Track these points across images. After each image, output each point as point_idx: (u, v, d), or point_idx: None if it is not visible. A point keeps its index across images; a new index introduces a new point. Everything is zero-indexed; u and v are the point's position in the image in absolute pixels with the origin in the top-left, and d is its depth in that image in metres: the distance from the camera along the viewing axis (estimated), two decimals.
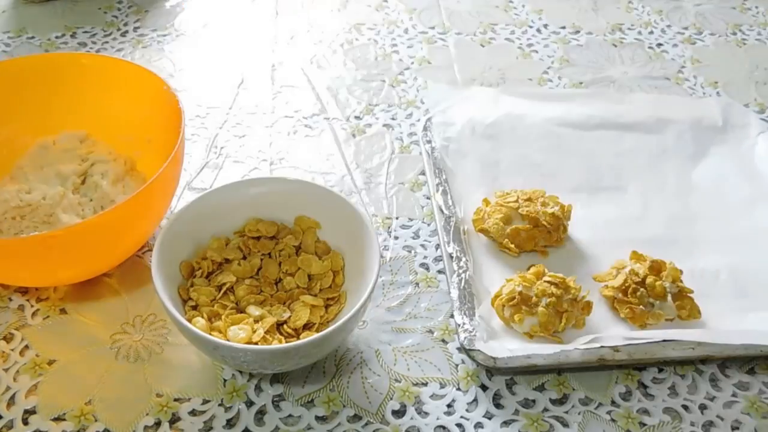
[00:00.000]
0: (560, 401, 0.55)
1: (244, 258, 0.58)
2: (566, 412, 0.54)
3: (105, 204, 0.63)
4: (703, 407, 0.55)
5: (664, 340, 0.56)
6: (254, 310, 0.53)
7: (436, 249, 0.66)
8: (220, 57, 0.88)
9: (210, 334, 0.50)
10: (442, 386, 0.55)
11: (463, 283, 0.60)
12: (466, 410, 0.54)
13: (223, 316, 0.53)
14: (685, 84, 0.88)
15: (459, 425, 0.53)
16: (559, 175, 0.72)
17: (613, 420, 0.54)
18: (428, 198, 0.70)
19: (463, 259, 0.62)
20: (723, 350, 0.56)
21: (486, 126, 0.76)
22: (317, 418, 0.53)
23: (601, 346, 0.55)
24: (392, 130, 0.78)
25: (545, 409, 0.54)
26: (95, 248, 0.56)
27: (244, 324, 0.52)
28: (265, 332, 0.51)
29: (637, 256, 0.62)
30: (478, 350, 0.55)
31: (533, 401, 0.55)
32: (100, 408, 0.52)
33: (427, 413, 0.53)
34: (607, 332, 0.58)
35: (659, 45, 0.95)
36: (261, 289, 0.56)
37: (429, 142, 0.74)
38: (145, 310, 0.59)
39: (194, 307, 0.54)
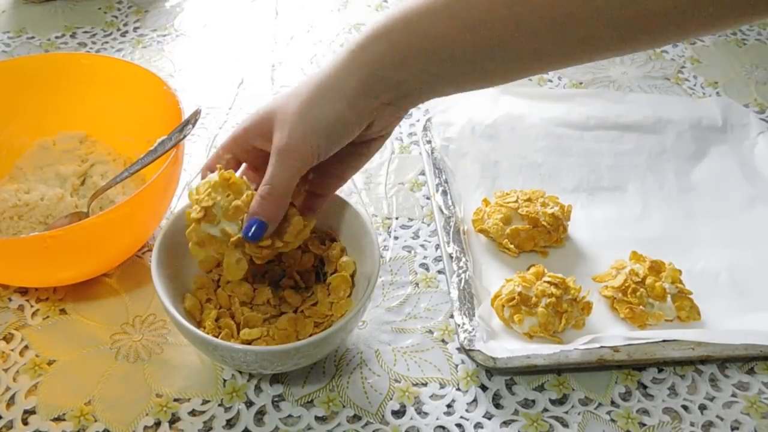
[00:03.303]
0: (560, 401, 0.55)
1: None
2: (566, 413, 0.54)
3: (105, 204, 0.63)
4: (702, 407, 0.55)
5: (664, 340, 0.56)
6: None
7: (436, 249, 0.66)
8: (220, 57, 0.88)
9: (215, 333, 0.51)
10: (442, 386, 0.55)
11: (462, 284, 0.60)
12: (466, 410, 0.54)
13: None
14: (685, 84, 0.88)
15: (459, 425, 0.53)
16: (558, 176, 0.73)
17: (612, 420, 0.54)
18: (428, 198, 0.70)
19: (463, 260, 0.62)
20: (723, 350, 0.56)
21: (486, 126, 0.76)
22: (317, 418, 0.53)
23: (601, 346, 0.55)
24: None
25: (545, 410, 0.54)
26: (95, 248, 0.56)
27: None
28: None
29: (636, 257, 0.62)
30: (478, 350, 0.55)
31: (533, 401, 0.55)
32: (100, 408, 0.52)
33: (426, 413, 0.53)
34: (607, 332, 0.58)
35: None
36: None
37: (429, 142, 0.74)
38: (145, 310, 0.59)
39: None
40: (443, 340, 0.58)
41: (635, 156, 0.75)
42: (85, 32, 0.90)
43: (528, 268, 0.60)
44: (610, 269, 0.62)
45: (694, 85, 0.88)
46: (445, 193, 0.68)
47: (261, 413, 0.53)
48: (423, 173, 0.73)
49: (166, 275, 0.52)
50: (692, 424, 0.54)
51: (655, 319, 0.59)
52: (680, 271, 0.61)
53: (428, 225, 0.68)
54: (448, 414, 0.53)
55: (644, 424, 0.53)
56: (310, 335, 0.52)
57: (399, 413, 0.53)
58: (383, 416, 0.53)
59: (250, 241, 0.47)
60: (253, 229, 0.46)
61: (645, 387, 0.56)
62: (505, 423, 0.53)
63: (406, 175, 0.73)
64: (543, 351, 0.55)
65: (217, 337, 0.51)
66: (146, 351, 0.56)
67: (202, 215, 0.47)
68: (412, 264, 0.64)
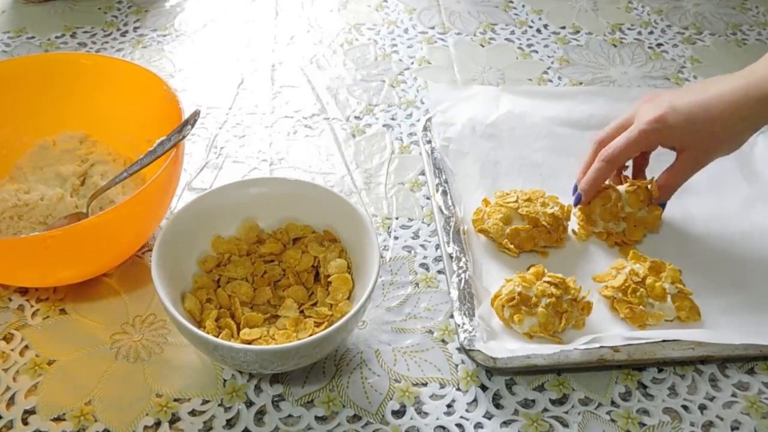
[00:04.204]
0: (560, 401, 0.55)
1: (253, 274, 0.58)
2: (566, 413, 0.54)
3: (104, 204, 0.63)
4: (702, 407, 0.55)
5: (664, 340, 0.56)
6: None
7: (436, 249, 0.66)
8: (220, 57, 0.88)
9: (215, 333, 0.51)
10: (442, 386, 0.55)
11: (462, 284, 0.60)
12: (466, 410, 0.54)
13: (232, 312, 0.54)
14: (685, 84, 0.88)
15: (459, 425, 0.53)
16: (559, 176, 0.72)
17: (612, 420, 0.54)
18: (428, 198, 0.70)
19: (463, 260, 0.62)
20: (723, 350, 0.56)
21: (486, 126, 0.76)
22: (317, 418, 0.53)
23: (601, 346, 0.55)
24: (392, 130, 0.78)
25: (545, 410, 0.54)
26: (95, 248, 0.56)
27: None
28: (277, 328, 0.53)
29: (636, 257, 0.62)
30: (478, 350, 0.55)
31: (533, 401, 0.55)
32: (100, 408, 0.52)
33: (426, 413, 0.53)
34: (607, 332, 0.58)
35: (659, 45, 0.95)
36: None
37: (429, 142, 0.74)
38: (145, 310, 0.59)
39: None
40: (443, 340, 0.58)
41: None
42: (85, 32, 0.90)
43: (528, 268, 0.60)
44: (610, 269, 0.62)
45: None
46: (445, 193, 0.68)
47: (261, 413, 0.53)
48: (423, 173, 0.73)
49: (166, 275, 0.52)
50: (692, 424, 0.54)
51: (655, 319, 0.59)
52: (680, 271, 0.61)
53: (428, 225, 0.68)
54: (448, 414, 0.53)
55: (644, 424, 0.54)
56: (310, 335, 0.52)
57: (399, 413, 0.53)
58: (383, 416, 0.53)
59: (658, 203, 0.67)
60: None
61: (645, 387, 0.56)
62: (505, 423, 0.53)
63: (406, 175, 0.73)
64: (543, 351, 0.55)
65: (217, 337, 0.51)
66: (146, 351, 0.56)
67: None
68: (412, 264, 0.64)
